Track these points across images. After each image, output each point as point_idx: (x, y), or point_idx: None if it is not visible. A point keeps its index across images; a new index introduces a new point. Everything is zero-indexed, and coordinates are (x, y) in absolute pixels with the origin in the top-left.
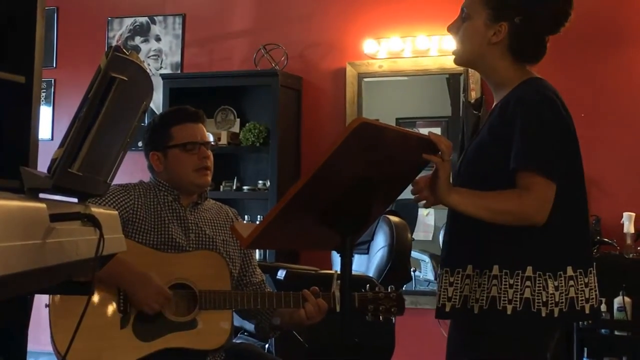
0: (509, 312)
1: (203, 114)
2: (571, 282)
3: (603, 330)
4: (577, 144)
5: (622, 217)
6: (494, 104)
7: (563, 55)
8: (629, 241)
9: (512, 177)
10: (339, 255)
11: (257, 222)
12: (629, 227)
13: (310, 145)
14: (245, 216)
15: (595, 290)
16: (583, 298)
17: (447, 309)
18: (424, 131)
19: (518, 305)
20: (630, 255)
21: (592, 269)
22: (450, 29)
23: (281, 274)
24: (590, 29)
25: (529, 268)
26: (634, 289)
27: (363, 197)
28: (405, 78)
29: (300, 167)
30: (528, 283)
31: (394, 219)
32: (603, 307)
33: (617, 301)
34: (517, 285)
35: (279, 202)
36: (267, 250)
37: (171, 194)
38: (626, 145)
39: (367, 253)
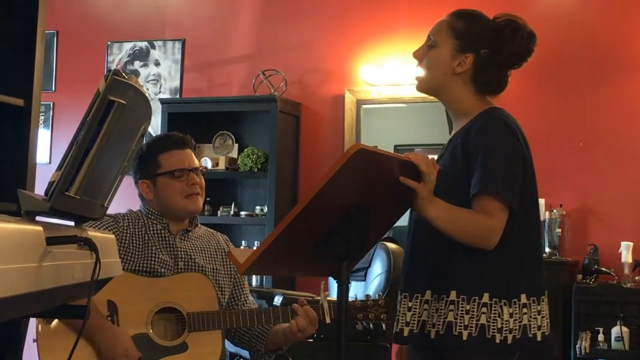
0: (464, 337)
1: (191, 139)
2: (525, 310)
3: None
4: (534, 173)
5: (620, 246)
6: (454, 132)
7: (561, 85)
8: (626, 270)
9: (471, 201)
10: (335, 281)
11: (254, 248)
12: (626, 257)
13: (308, 171)
14: (242, 242)
15: (547, 318)
16: (535, 325)
17: (406, 334)
18: None
19: (473, 331)
20: (628, 285)
21: (544, 297)
22: (415, 55)
23: (278, 299)
24: (589, 58)
25: (486, 295)
26: (632, 318)
27: (360, 223)
28: (404, 105)
29: (298, 193)
30: (484, 309)
31: (391, 246)
32: (601, 337)
33: (615, 331)
34: (473, 311)
35: (277, 228)
36: (264, 276)
37: (160, 222)
38: (624, 174)
39: (364, 280)
